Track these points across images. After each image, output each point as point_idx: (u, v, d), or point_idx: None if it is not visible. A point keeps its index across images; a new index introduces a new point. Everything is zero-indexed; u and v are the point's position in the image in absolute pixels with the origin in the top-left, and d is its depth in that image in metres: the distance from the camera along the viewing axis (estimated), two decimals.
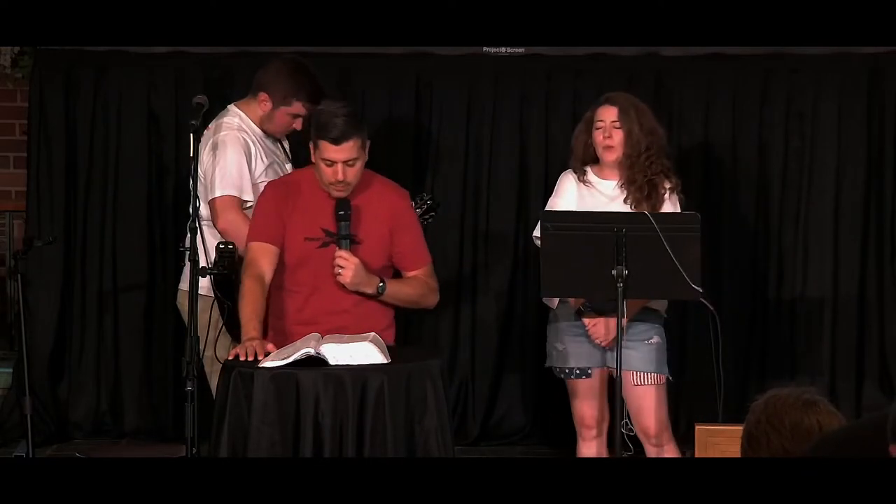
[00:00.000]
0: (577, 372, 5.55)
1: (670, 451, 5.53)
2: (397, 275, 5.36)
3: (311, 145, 5.19)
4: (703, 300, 5.32)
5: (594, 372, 5.53)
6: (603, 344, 5.46)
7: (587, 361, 5.51)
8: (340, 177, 5.11)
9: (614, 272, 5.12)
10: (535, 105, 6.96)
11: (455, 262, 6.93)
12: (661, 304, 5.58)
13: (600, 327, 5.44)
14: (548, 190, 6.92)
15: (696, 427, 4.79)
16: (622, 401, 5.31)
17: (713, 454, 4.57)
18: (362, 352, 4.83)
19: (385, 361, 4.84)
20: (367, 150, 5.19)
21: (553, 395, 6.99)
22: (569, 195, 5.57)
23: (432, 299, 5.38)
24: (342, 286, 5.15)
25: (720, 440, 4.62)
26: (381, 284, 5.18)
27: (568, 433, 6.90)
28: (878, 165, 6.88)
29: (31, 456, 6.06)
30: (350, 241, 5.14)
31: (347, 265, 5.11)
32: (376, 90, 6.93)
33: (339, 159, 5.10)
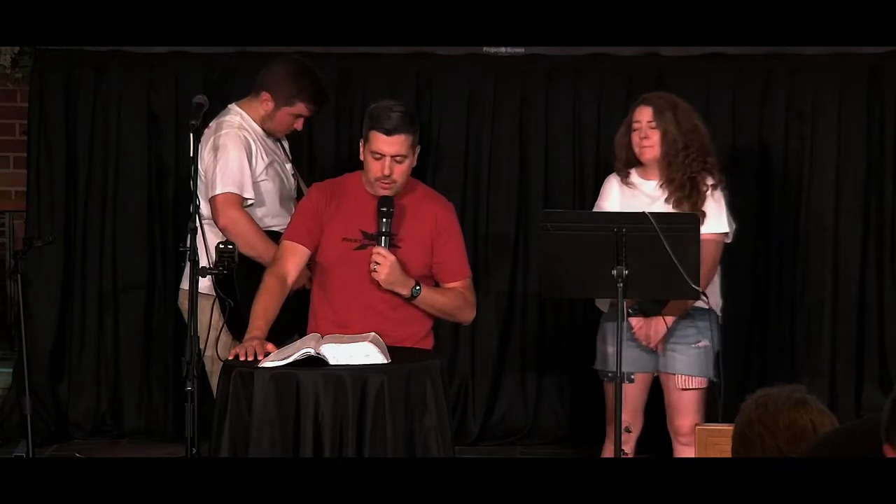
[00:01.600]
0: (621, 376, 5.53)
1: (692, 451, 5.52)
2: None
3: (361, 141, 5.17)
4: (702, 300, 5.33)
5: (637, 377, 5.51)
6: (649, 346, 5.46)
7: (631, 366, 5.47)
8: (387, 171, 5.08)
9: (614, 272, 5.11)
10: (535, 105, 6.96)
11: None
12: (715, 303, 5.55)
13: (645, 329, 5.44)
14: (548, 190, 6.95)
15: (697, 427, 4.79)
16: (622, 402, 5.29)
17: (713, 454, 4.57)
18: (362, 352, 4.83)
19: (385, 361, 4.84)
20: (416, 155, 5.18)
21: (553, 395, 7.01)
22: (612, 198, 5.57)
23: (468, 314, 5.34)
24: (379, 289, 5.12)
25: (720, 440, 4.61)
26: (416, 287, 5.13)
27: (568, 433, 6.93)
28: (878, 165, 6.88)
29: (31, 456, 6.06)
30: (390, 239, 5.12)
31: (384, 262, 5.07)
32: (376, 90, 6.91)
33: (389, 152, 5.08)
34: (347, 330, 5.10)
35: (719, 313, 5.62)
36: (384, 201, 5.11)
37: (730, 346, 6.44)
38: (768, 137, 6.90)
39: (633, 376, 5.50)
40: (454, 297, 5.26)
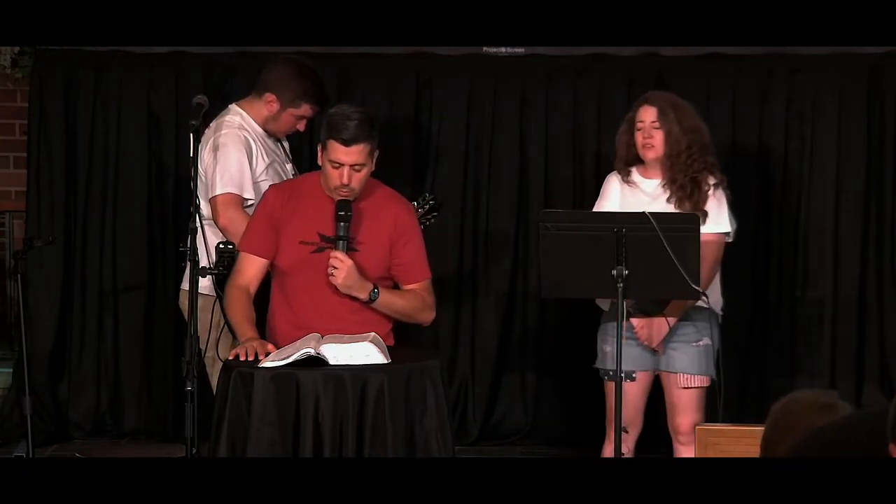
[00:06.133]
0: (622, 375, 5.52)
1: (693, 451, 5.52)
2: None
3: (319, 147, 5.16)
4: (703, 300, 5.32)
5: (638, 375, 5.51)
6: (650, 345, 5.46)
7: (632, 365, 5.48)
8: (346, 180, 5.07)
9: (614, 272, 5.11)
10: (535, 105, 6.96)
11: (455, 262, 6.93)
12: (714, 301, 5.56)
13: (647, 329, 5.44)
14: (548, 190, 6.95)
15: (696, 427, 4.79)
16: (620, 401, 5.29)
17: (713, 454, 4.57)
18: (362, 352, 4.83)
19: (385, 361, 4.84)
20: (374, 159, 5.16)
21: (553, 395, 7.01)
22: (613, 197, 5.57)
23: (427, 315, 5.30)
24: (337, 292, 5.11)
25: (720, 440, 4.62)
26: (374, 291, 5.13)
27: (568, 433, 6.92)
28: (878, 165, 6.88)
29: (31, 456, 6.06)
30: (347, 243, 5.11)
31: (341, 266, 5.06)
32: (376, 90, 6.93)
33: (347, 162, 5.06)
34: (306, 332, 5.08)
35: (720, 312, 5.62)
36: (342, 205, 5.09)
37: (730, 346, 6.44)
38: (768, 137, 6.90)
39: (634, 375, 5.50)
40: (413, 299, 5.24)
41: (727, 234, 5.58)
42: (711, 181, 5.51)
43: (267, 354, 4.89)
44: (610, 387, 5.53)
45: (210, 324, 5.28)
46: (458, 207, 6.93)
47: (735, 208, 6.92)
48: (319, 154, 5.14)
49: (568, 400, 6.96)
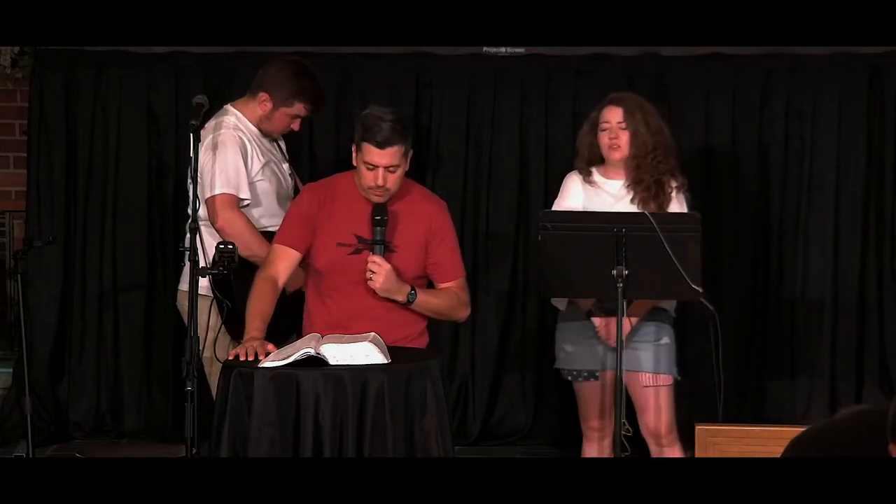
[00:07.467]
0: (585, 374, 5.53)
1: (676, 452, 5.52)
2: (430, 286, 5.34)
3: (353, 147, 5.18)
4: (702, 300, 5.32)
5: (601, 374, 5.52)
6: (613, 344, 5.46)
7: (595, 364, 5.50)
8: (381, 182, 5.09)
9: (614, 272, 5.11)
10: (535, 105, 6.96)
11: None
12: (669, 303, 5.57)
13: (612, 327, 5.44)
14: (548, 190, 6.94)
15: (696, 427, 4.79)
16: (620, 401, 5.29)
17: (713, 454, 4.57)
18: (362, 352, 4.83)
19: (385, 361, 4.84)
20: (409, 160, 5.18)
21: (553, 395, 7.00)
22: (574, 196, 5.57)
23: (463, 313, 5.36)
24: (373, 292, 5.14)
25: (720, 440, 4.62)
26: (411, 293, 5.16)
27: (568, 433, 6.92)
28: (878, 165, 6.88)
29: (31, 456, 6.07)
30: (384, 247, 5.13)
31: (379, 270, 5.09)
32: (376, 90, 6.93)
33: (382, 164, 5.08)
34: (343, 332, 5.10)
35: (673, 314, 5.60)
36: (377, 209, 5.12)
37: (730, 346, 6.45)
38: (768, 137, 6.90)
39: (597, 373, 5.51)
40: (448, 297, 5.27)
41: None
42: (674, 184, 5.52)
43: (267, 354, 4.89)
44: (578, 387, 5.57)
45: (207, 325, 5.27)
46: (458, 207, 6.93)
47: (735, 208, 6.95)
48: (354, 155, 5.17)
49: (568, 400, 6.94)
